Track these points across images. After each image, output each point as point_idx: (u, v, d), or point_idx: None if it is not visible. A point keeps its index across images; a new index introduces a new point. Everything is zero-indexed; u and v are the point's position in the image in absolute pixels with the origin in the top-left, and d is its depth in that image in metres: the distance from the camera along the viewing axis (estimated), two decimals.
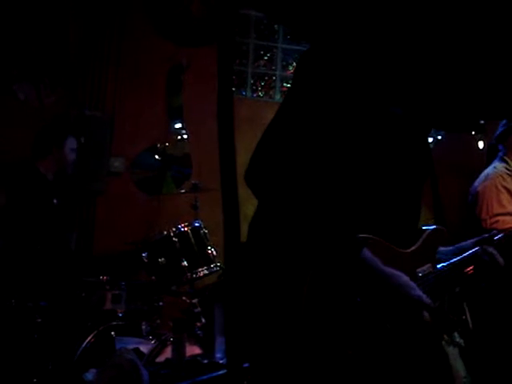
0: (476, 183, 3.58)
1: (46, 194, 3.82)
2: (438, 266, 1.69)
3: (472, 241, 1.85)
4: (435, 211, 1.78)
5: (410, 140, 1.62)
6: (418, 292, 1.49)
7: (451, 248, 1.79)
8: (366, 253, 1.45)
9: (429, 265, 1.65)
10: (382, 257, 1.47)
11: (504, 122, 3.43)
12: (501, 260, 1.75)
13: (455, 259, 1.74)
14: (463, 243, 1.85)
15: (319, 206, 1.44)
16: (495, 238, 1.86)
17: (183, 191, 4.42)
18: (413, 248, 1.61)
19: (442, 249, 1.73)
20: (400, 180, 1.59)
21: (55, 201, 3.85)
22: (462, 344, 2.99)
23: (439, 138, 5.04)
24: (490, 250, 1.77)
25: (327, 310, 1.42)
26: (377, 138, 1.52)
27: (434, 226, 1.71)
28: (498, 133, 3.53)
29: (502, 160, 3.56)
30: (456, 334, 2.98)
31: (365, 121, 1.50)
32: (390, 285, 1.46)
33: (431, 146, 1.74)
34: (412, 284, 1.50)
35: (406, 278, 1.49)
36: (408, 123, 1.60)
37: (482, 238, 1.84)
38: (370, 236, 1.49)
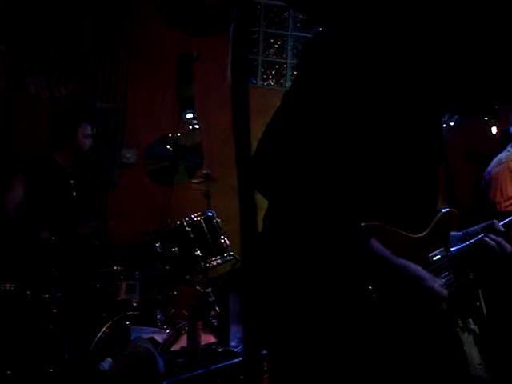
0: (489, 168, 3.57)
1: (65, 188, 3.85)
2: (452, 249, 1.66)
3: (479, 226, 1.82)
4: (447, 195, 1.76)
5: (423, 124, 1.61)
6: (431, 283, 1.47)
7: (460, 233, 1.77)
8: (375, 243, 1.43)
9: (441, 249, 1.62)
10: (392, 245, 1.46)
11: None
12: (508, 247, 1.72)
13: (461, 245, 1.71)
14: (470, 229, 1.82)
15: (328, 195, 1.44)
16: (501, 223, 1.83)
17: (195, 181, 4.42)
18: (425, 232, 1.58)
19: (451, 233, 1.70)
20: (413, 165, 1.57)
21: (74, 194, 3.88)
22: (477, 331, 2.99)
23: (452, 124, 5.02)
24: (496, 237, 1.73)
25: (338, 298, 1.42)
26: (389, 122, 1.51)
27: (446, 209, 1.67)
28: None
29: None
30: (470, 321, 2.97)
31: (376, 106, 1.49)
32: (401, 276, 1.45)
33: (444, 132, 1.72)
34: (424, 274, 1.47)
35: (417, 269, 1.47)
36: (421, 107, 1.59)
37: (488, 225, 1.81)
38: (380, 224, 1.48)
